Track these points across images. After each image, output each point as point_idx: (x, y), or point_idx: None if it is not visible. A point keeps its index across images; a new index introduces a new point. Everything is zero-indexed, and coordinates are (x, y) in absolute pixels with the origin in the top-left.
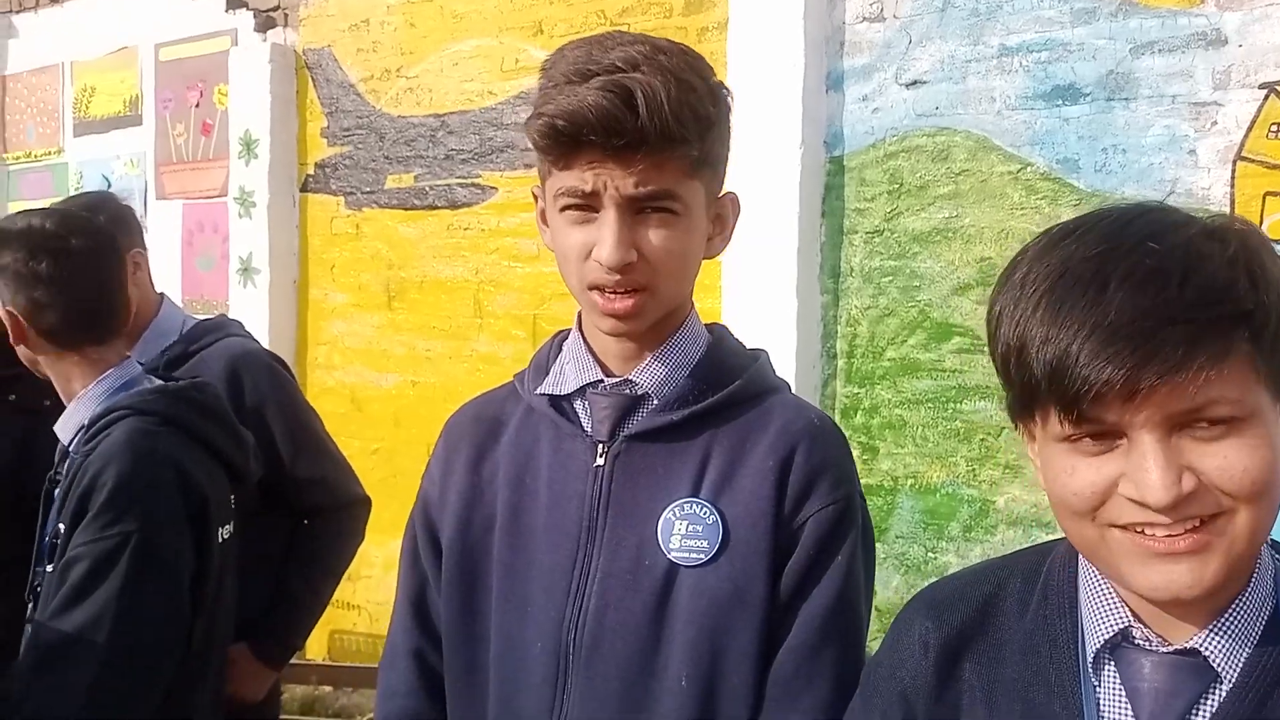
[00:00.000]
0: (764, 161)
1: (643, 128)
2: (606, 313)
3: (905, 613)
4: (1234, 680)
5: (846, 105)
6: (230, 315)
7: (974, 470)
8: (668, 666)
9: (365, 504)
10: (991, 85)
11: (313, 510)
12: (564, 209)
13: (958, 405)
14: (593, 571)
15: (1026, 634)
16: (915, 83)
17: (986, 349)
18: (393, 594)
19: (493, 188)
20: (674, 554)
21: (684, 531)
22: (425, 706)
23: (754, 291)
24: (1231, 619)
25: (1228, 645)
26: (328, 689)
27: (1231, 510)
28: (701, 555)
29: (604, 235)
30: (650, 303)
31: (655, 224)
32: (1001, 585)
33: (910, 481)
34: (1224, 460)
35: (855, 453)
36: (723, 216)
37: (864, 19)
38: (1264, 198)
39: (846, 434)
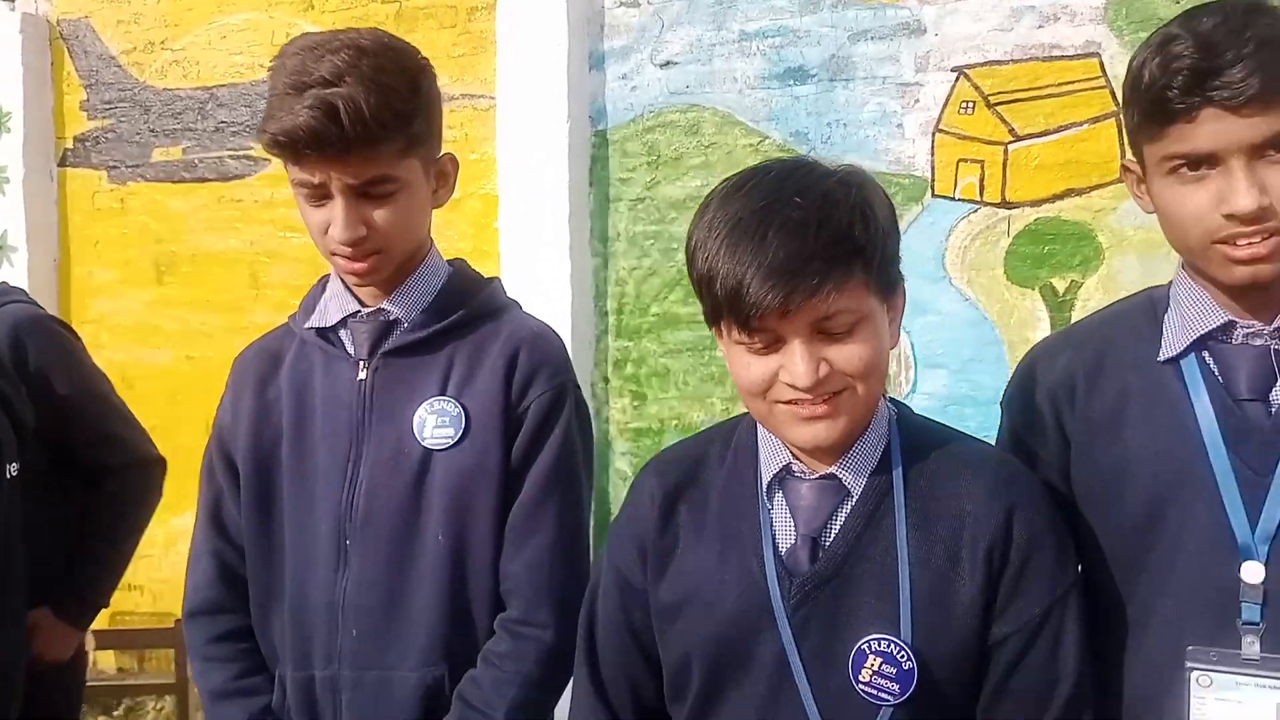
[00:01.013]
0: (535, 135)
1: (347, 137)
2: (348, 272)
3: (637, 478)
4: (858, 494)
5: (608, 83)
6: None
7: (728, 409)
8: (427, 527)
9: (160, 463)
10: (734, 67)
11: (106, 470)
12: (303, 195)
13: (713, 353)
14: (363, 463)
15: (724, 480)
16: (668, 63)
17: None
18: (174, 571)
19: (265, 159)
20: (427, 441)
21: (434, 423)
22: (225, 595)
23: (530, 256)
24: (856, 454)
25: (854, 471)
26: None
27: (853, 386)
28: (449, 440)
29: (335, 217)
30: (384, 260)
31: (378, 203)
32: (707, 448)
33: (674, 422)
34: (847, 353)
35: (625, 400)
36: (444, 173)
37: (621, 4)
38: (957, 164)
39: (618, 384)
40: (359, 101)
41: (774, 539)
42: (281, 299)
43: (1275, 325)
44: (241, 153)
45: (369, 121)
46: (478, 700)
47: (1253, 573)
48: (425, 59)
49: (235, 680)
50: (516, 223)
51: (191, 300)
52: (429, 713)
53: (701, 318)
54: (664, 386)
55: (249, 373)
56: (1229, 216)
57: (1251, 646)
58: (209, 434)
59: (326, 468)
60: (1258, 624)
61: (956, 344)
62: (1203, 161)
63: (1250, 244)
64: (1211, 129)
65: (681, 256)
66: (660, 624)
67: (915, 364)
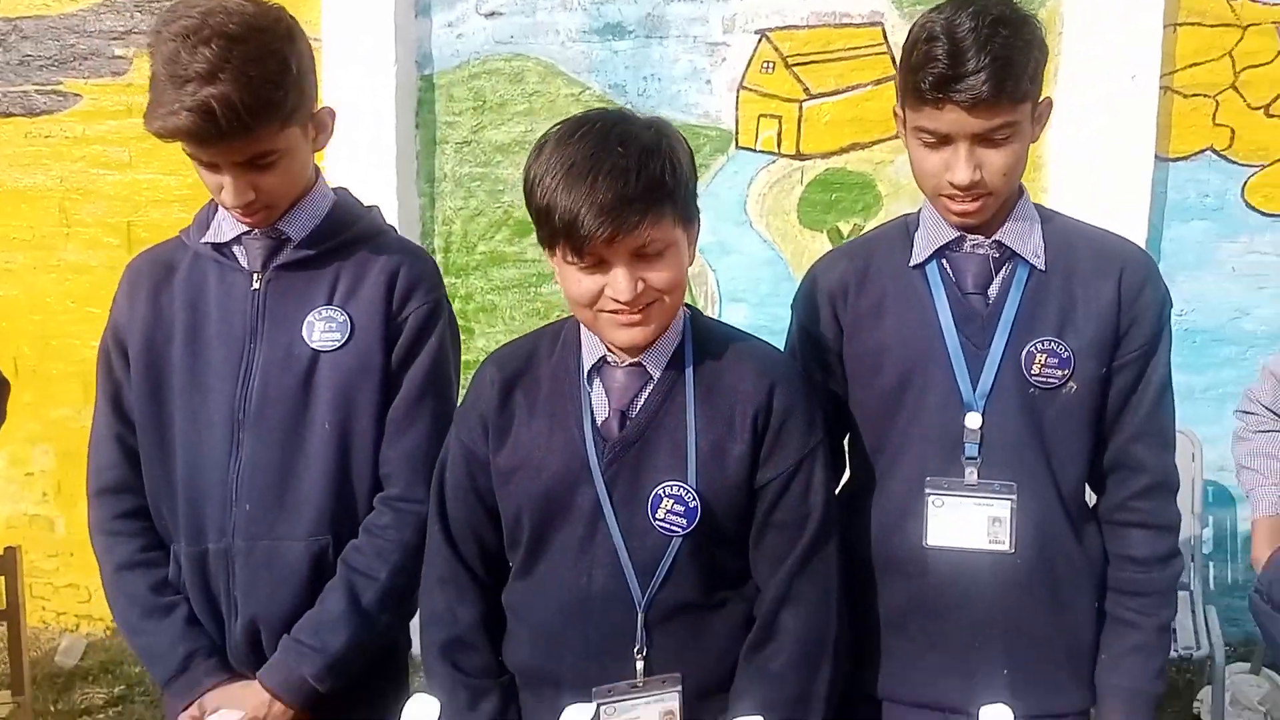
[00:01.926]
0: (362, 79)
1: (225, 132)
2: (242, 222)
3: (478, 369)
4: (658, 377)
5: (434, 30)
6: None
7: None
8: (315, 419)
9: (4, 385)
10: (556, 20)
11: None
12: (196, 162)
13: (538, 289)
14: (256, 362)
15: (551, 368)
16: (493, 14)
17: None
18: None
19: (76, 95)
20: (315, 344)
21: (322, 329)
22: (129, 475)
23: (358, 195)
24: (658, 347)
25: (655, 360)
26: None
27: (662, 299)
28: (336, 343)
29: (225, 185)
30: (273, 212)
31: (262, 171)
32: (538, 343)
33: None
34: (659, 274)
35: None
36: (322, 123)
37: None
38: (758, 119)
39: None
40: (233, 101)
41: (592, 413)
42: (95, 237)
43: (993, 239)
44: (50, 88)
45: (244, 116)
46: (361, 565)
47: (973, 420)
48: (289, 19)
49: (139, 553)
50: (344, 163)
51: None
52: (315, 578)
53: (526, 257)
54: (491, 321)
55: (142, 278)
56: (951, 183)
57: (971, 475)
58: (14, 373)
59: (219, 365)
60: (976, 458)
61: (756, 281)
62: (940, 138)
63: (962, 203)
64: (949, 119)
65: (507, 198)
66: (499, 485)
67: (720, 299)
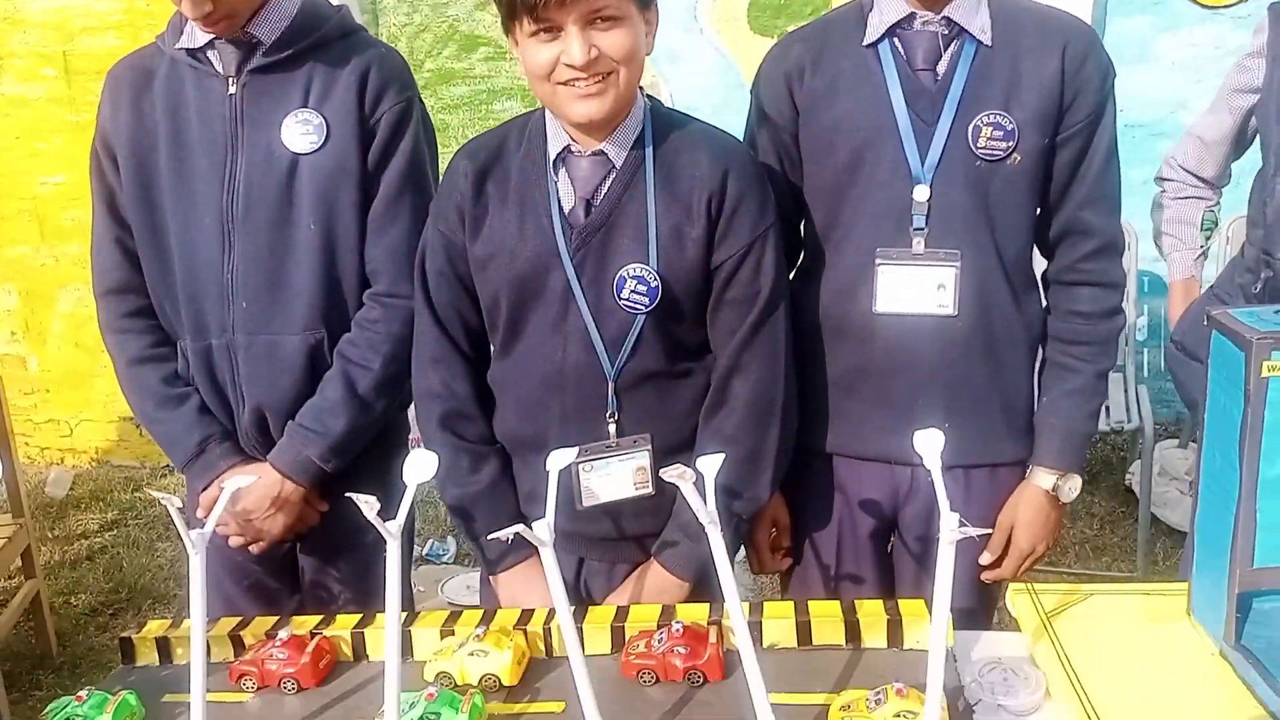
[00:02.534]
0: None
1: None
2: (209, 33)
3: (451, 162)
4: (620, 165)
5: None
6: None
7: None
8: (300, 219)
9: None
10: None
11: None
12: None
13: (489, 106)
14: (239, 165)
15: (520, 159)
16: None
17: (509, 57)
18: None
19: None
20: (293, 147)
21: (299, 131)
22: (131, 276)
23: None
24: (618, 134)
25: (617, 147)
26: None
27: (617, 70)
28: (313, 146)
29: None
30: (235, 20)
31: None
32: (506, 136)
33: None
34: (612, 40)
35: None
36: None
37: None
38: None
39: None
40: None
41: (559, 202)
42: (30, 68)
43: (941, 16)
44: None
45: None
46: (355, 356)
47: (921, 193)
48: None
49: (148, 348)
50: None
51: None
52: (313, 370)
53: (474, 73)
54: (443, 141)
55: (123, 84)
56: None
57: (919, 245)
58: None
59: (205, 171)
60: (924, 229)
61: (709, 90)
62: None
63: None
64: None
65: (452, 12)
66: (476, 271)
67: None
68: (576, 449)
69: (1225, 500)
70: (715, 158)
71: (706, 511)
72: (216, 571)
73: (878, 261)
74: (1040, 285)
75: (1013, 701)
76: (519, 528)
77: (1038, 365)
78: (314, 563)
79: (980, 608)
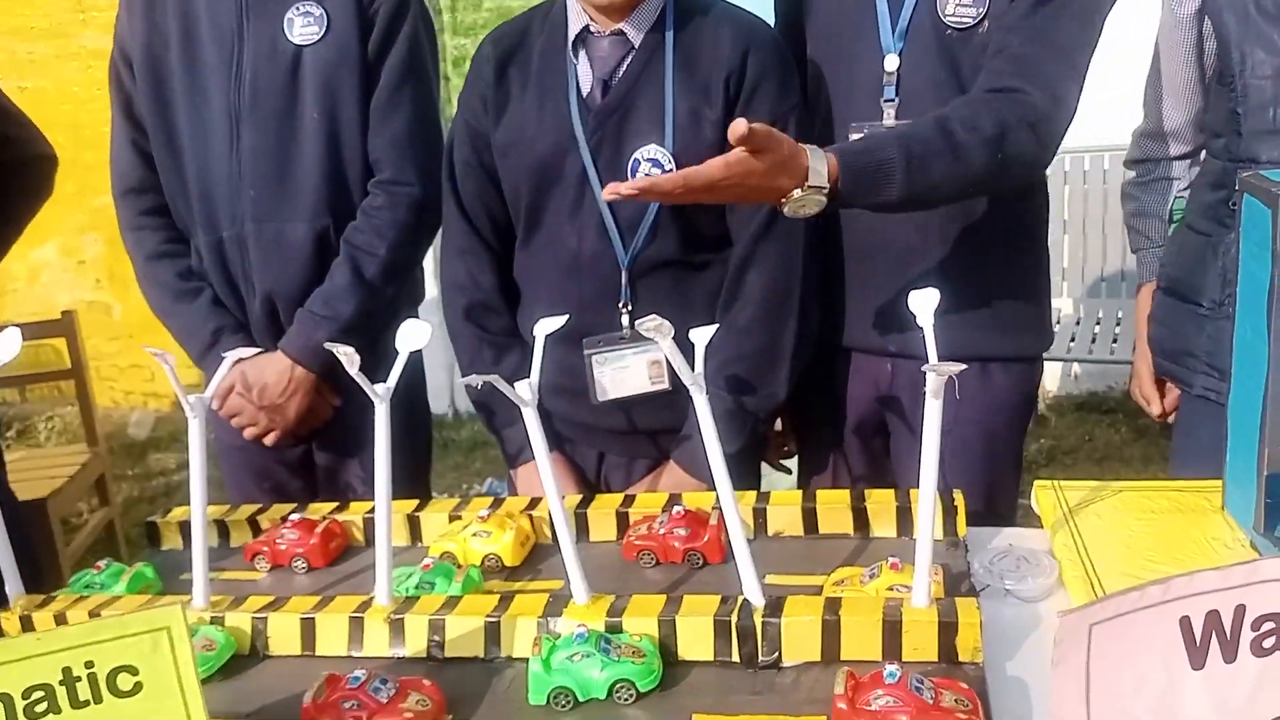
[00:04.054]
0: None
1: None
2: None
3: (478, 49)
4: (638, 45)
5: None
6: None
7: None
8: (304, 109)
9: (54, 159)
10: None
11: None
12: None
13: None
14: (245, 57)
15: (541, 44)
16: None
17: None
18: (40, 305)
19: None
20: (295, 39)
21: (301, 24)
22: (147, 175)
23: None
24: (638, 15)
25: (636, 28)
26: None
27: None
28: (314, 37)
29: None
30: None
31: None
32: (530, 21)
33: None
34: None
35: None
36: None
37: None
38: None
39: (457, 81)
40: None
41: (578, 84)
42: (108, 19)
43: None
44: None
45: None
46: (361, 243)
47: (890, 63)
48: None
49: (163, 245)
50: None
51: (13, 29)
52: (320, 257)
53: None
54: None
55: None
56: None
57: (890, 117)
58: None
59: (214, 64)
60: (894, 99)
61: None
62: None
63: None
64: None
65: None
66: (499, 159)
67: None
68: (565, 317)
69: (1255, 376)
70: (736, 37)
71: (691, 374)
72: (239, 474)
73: (850, 135)
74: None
75: (1022, 587)
76: (494, 378)
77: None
78: (329, 459)
79: (1002, 512)
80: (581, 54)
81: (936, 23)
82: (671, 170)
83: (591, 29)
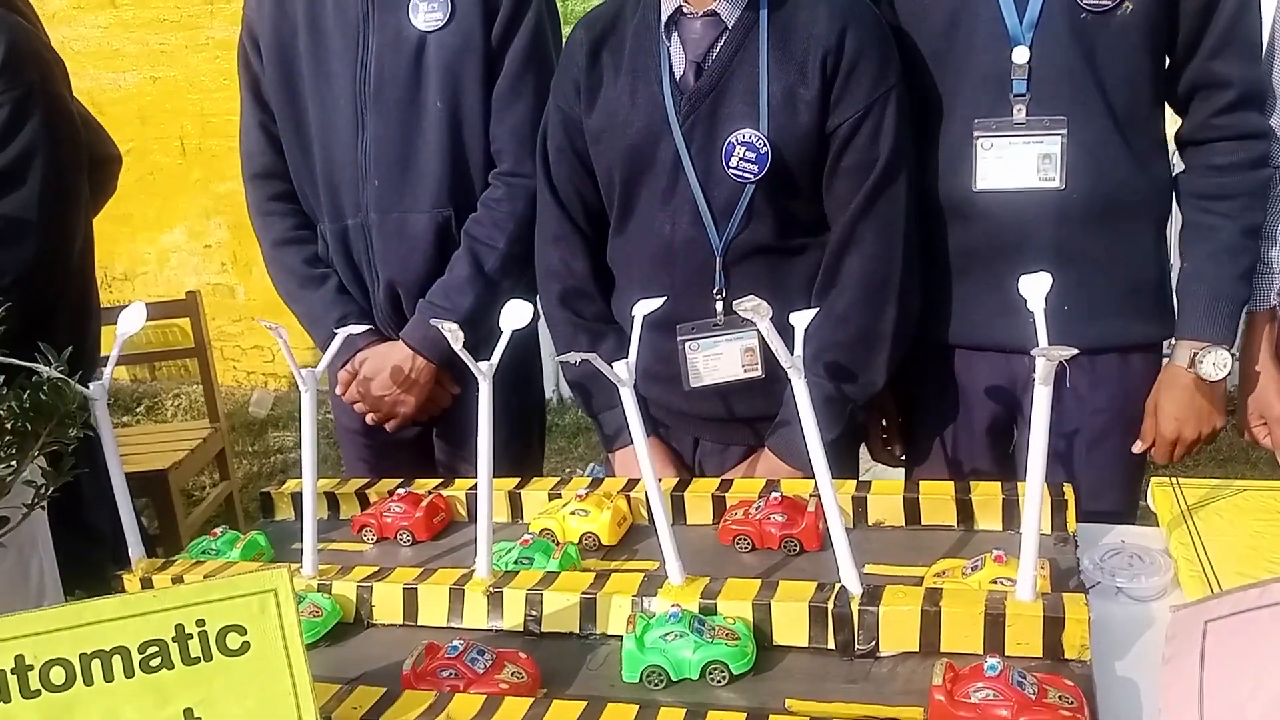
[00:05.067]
0: None
1: None
2: None
3: (571, 34)
4: (732, 24)
5: None
6: None
7: None
8: (428, 97)
9: (118, 159)
10: None
11: None
12: None
13: None
14: (371, 45)
15: (634, 27)
16: None
17: None
18: (168, 287)
19: None
20: (420, 25)
21: (425, 9)
22: (276, 159)
23: None
24: None
25: (730, 7)
26: None
27: None
28: (439, 23)
29: None
30: None
31: None
32: (624, 4)
33: None
34: None
35: None
36: None
37: None
38: None
39: None
40: None
41: (670, 67)
42: (236, 10)
43: None
44: None
45: None
46: (482, 235)
47: (1020, 55)
48: None
49: (291, 230)
50: None
51: (147, 21)
52: (442, 247)
53: None
54: None
55: None
56: None
57: (1020, 113)
58: (181, 152)
59: (340, 51)
60: (1025, 95)
61: None
62: None
63: None
64: None
65: None
66: (592, 145)
67: None
68: (663, 299)
69: None
70: (833, 14)
71: (789, 357)
72: (359, 455)
73: (976, 134)
74: (1178, 150)
75: (1134, 585)
76: (592, 356)
77: (1177, 234)
78: (446, 447)
79: (1118, 510)
80: (674, 36)
81: (1071, 6)
82: (767, 154)
83: (684, 10)
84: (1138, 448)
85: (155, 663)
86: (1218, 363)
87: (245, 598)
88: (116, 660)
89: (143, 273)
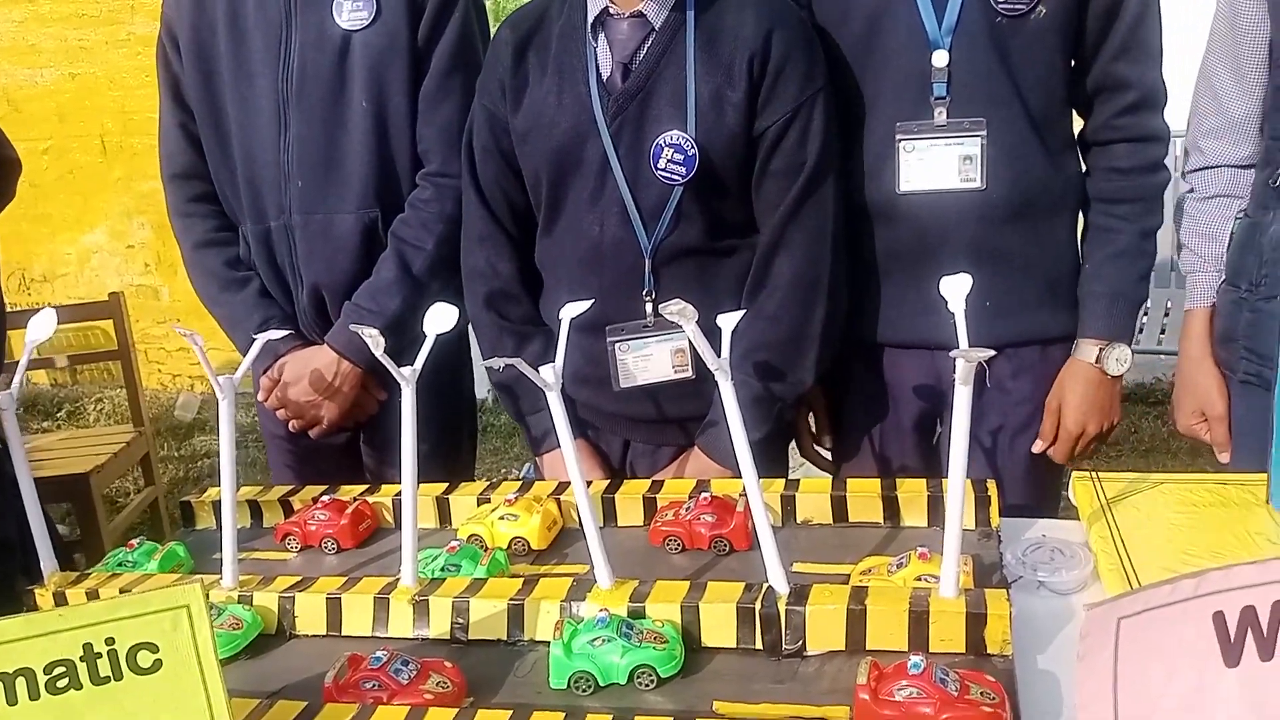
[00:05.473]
0: None
1: None
2: None
3: (496, 33)
4: (659, 26)
5: None
6: None
7: None
8: (353, 97)
9: (18, 165)
10: None
11: None
12: None
13: None
14: (292, 45)
15: (560, 27)
16: None
17: None
18: (89, 288)
19: None
20: (344, 24)
21: (349, 8)
22: (196, 160)
23: None
24: None
25: (655, 9)
26: None
27: None
28: (364, 22)
29: None
30: None
31: None
32: (550, 4)
33: None
34: None
35: None
36: None
37: None
38: None
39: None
40: None
41: (597, 68)
42: (157, 5)
43: None
44: None
45: None
46: (409, 236)
47: (940, 59)
48: None
49: (211, 233)
50: None
51: (65, 16)
52: (368, 249)
53: None
54: None
55: None
56: None
57: (941, 116)
58: (101, 150)
59: (261, 50)
60: (945, 98)
61: None
62: None
63: None
64: None
65: None
66: (518, 146)
67: None
68: (591, 301)
69: None
70: (760, 16)
71: (715, 359)
72: (285, 461)
73: (898, 137)
74: (1080, 151)
75: (1055, 579)
76: (516, 360)
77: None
78: (373, 453)
79: (1040, 502)
80: (601, 37)
81: (987, 10)
82: (695, 156)
83: (611, 10)
84: (1037, 447)
85: (63, 684)
86: (1120, 358)
87: (157, 614)
88: (20, 683)
89: (63, 274)
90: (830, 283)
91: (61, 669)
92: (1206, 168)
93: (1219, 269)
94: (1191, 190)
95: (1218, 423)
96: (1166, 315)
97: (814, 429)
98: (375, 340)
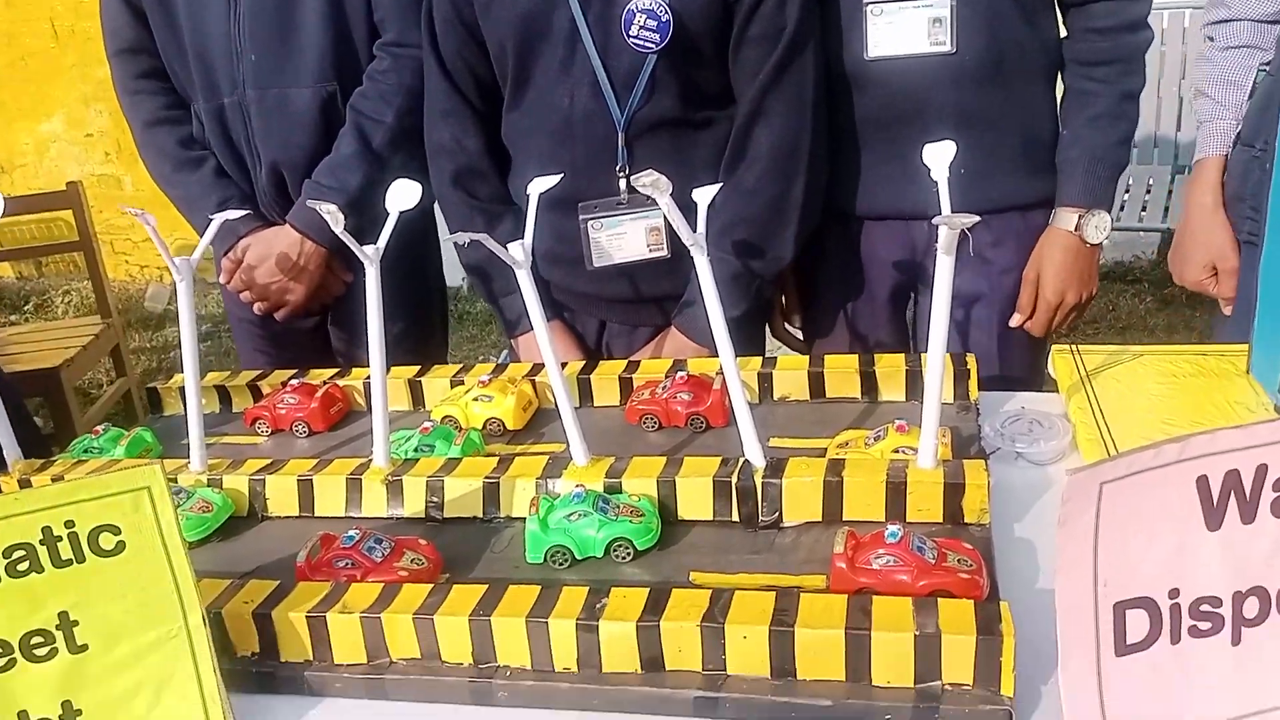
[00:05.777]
0: None
1: None
2: None
3: None
4: None
5: None
6: None
7: None
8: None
9: None
10: None
11: None
12: None
13: None
14: None
15: None
16: None
17: None
18: (49, 179)
19: None
20: None
21: None
22: (142, 34)
23: None
24: None
25: None
26: None
27: None
28: None
29: None
30: None
31: None
32: None
33: None
34: None
35: None
36: None
37: None
38: None
39: None
40: None
41: None
42: None
43: None
44: None
45: None
46: (368, 109)
47: None
48: None
49: (162, 110)
50: None
51: None
52: (327, 124)
53: None
54: None
55: None
56: None
57: None
58: (53, 35)
59: None
60: None
61: None
62: None
63: None
64: None
65: None
66: (482, 16)
67: None
68: (560, 175)
69: None
70: None
71: (691, 234)
72: (256, 346)
73: (865, 1)
74: (1060, 11)
75: (1033, 450)
76: (483, 236)
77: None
78: (342, 335)
79: (1022, 376)
80: None
81: None
82: (669, 22)
83: None
84: (1015, 320)
85: (23, 567)
86: (1100, 225)
87: (117, 496)
88: None
89: (21, 165)
90: (811, 153)
91: (21, 552)
92: (1229, 20)
93: (1238, 118)
94: (1212, 40)
95: (1229, 276)
96: (1148, 192)
97: (784, 307)
98: (334, 216)
